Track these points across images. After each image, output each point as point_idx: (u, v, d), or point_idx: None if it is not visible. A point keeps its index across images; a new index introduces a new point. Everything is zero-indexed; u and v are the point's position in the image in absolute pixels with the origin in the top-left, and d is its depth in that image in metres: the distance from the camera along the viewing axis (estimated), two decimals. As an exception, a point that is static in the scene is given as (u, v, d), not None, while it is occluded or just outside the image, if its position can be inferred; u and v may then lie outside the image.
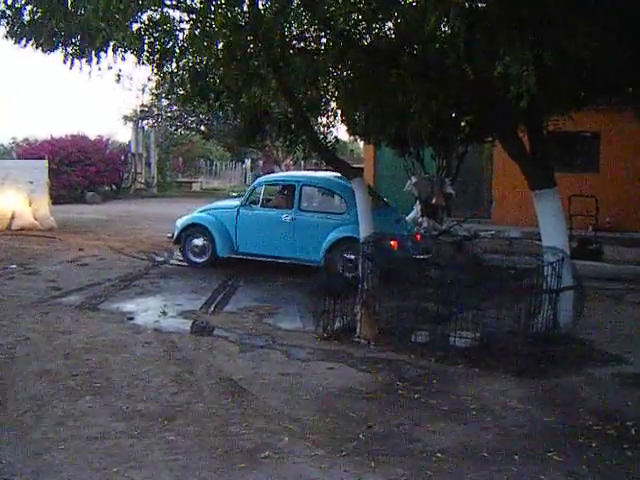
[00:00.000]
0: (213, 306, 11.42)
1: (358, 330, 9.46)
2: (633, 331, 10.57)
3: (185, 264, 15.50)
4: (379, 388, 7.61)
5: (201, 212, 15.94)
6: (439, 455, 5.87)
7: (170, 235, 16.01)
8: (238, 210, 15.14)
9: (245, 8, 9.57)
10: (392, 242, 13.10)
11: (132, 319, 10.38)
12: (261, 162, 53.62)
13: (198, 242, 15.34)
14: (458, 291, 9.16)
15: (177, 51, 9.93)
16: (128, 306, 11.24)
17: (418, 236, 14.89)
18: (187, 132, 50.55)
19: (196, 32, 9.29)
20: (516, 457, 5.88)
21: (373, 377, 7.99)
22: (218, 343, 9.26)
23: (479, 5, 8.96)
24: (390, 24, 10.09)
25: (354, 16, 9.49)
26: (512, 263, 11.87)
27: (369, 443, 6.09)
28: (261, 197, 15.19)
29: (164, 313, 10.78)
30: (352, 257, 12.99)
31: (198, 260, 15.31)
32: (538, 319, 8.80)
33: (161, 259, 16.35)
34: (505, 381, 7.92)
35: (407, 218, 18.07)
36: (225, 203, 16.65)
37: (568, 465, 5.75)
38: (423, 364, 8.49)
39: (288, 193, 15.15)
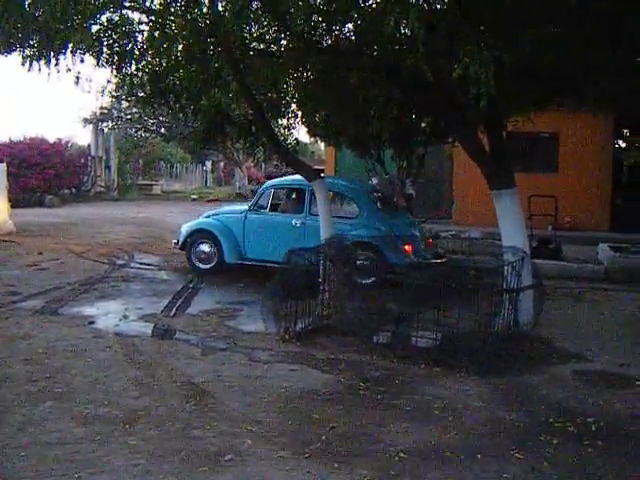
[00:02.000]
0: (174, 309, 11.36)
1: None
2: (592, 329, 10.68)
3: (146, 267, 15.42)
4: (342, 389, 7.61)
5: (207, 217, 15.62)
6: (402, 455, 5.88)
7: (175, 242, 15.66)
8: (246, 215, 14.83)
9: (205, 10, 9.54)
10: (406, 247, 13.18)
11: (93, 323, 10.28)
12: (222, 164, 53.55)
13: (205, 248, 14.98)
14: (419, 291, 9.19)
15: (136, 53, 9.86)
16: (89, 310, 11.13)
17: (430, 241, 14.90)
18: (147, 134, 50.35)
19: (155, 34, 9.25)
20: (479, 455, 5.91)
21: (335, 378, 7.99)
22: (180, 346, 9.21)
23: (438, 7, 9.02)
24: (350, 26, 10.11)
25: (314, 17, 9.49)
26: (473, 263, 11.96)
27: (332, 444, 6.09)
28: (269, 201, 14.87)
29: (125, 317, 10.70)
30: (365, 262, 13.03)
31: (205, 267, 14.92)
32: (499, 318, 8.86)
33: (122, 262, 16.22)
34: (467, 380, 7.96)
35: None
36: (231, 208, 16.37)
37: (530, 463, 5.79)
38: (385, 365, 8.51)
39: (297, 197, 14.86)
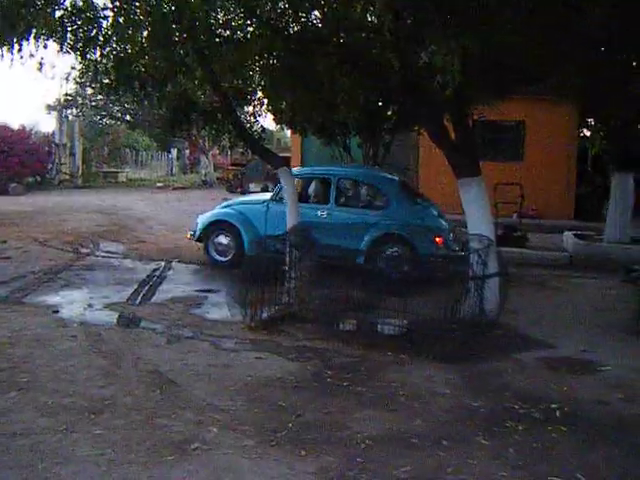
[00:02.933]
0: (140, 297, 11.29)
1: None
2: (556, 315, 10.78)
3: (111, 255, 15.33)
4: (308, 377, 7.61)
5: (224, 207, 15.09)
6: (369, 442, 5.90)
7: (192, 232, 15.01)
8: (268, 205, 14.22)
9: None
10: (437, 238, 12.95)
11: (57, 312, 10.18)
12: (187, 152, 53.28)
13: (223, 240, 14.45)
14: (385, 279, 9.22)
15: (101, 39, 9.78)
16: (53, 299, 11.02)
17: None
18: (112, 122, 50.00)
19: (120, 20, 9.19)
20: (444, 442, 5.94)
21: (301, 366, 8.00)
22: (145, 335, 9.16)
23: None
24: (317, 13, 10.10)
25: (280, 4, 9.47)
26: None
27: (299, 432, 6.09)
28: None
29: (90, 306, 10.60)
30: (397, 254, 12.88)
31: (223, 259, 14.35)
32: (464, 305, 8.90)
33: (87, 251, 16.08)
34: (432, 367, 8.00)
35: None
36: (251, 198, 15.95)
37: (495, 448, 5.84)
38: (351, 352, 8.52)
39: (323, 187, 14.33)
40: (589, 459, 5.72)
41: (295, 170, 14.94)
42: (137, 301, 11.07)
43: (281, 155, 15.51)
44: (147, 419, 6.30)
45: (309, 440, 5.93)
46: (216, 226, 14.59)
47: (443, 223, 13.71)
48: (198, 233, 14.73)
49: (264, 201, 14.51)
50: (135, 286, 12.08)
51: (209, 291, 11.84)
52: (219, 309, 10.46)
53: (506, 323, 9.85)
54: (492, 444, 5.93)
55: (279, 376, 7.58)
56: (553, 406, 6.85)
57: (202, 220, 14.85)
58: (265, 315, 9.59)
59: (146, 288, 12.00)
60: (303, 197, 14.29)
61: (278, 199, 13.96)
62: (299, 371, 7.82)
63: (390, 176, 14.64)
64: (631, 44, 8.97)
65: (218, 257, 14.43)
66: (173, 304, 10.88)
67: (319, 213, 13.74)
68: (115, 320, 9.87)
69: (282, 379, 7.49)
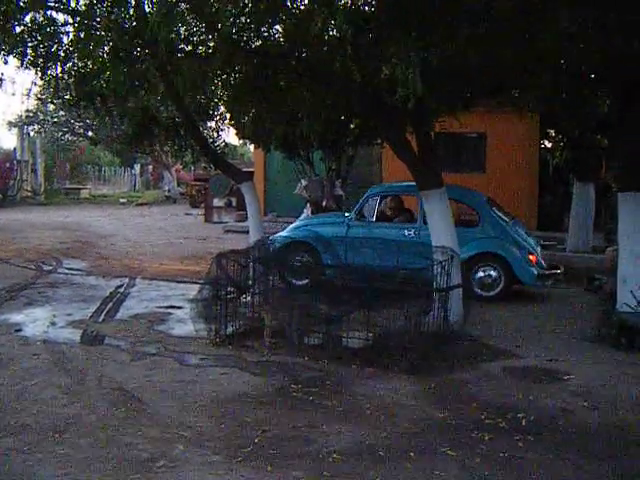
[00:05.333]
0: (103, 314, 11.19)
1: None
2: (521, 325, 10.84)
3: (74, 272, 15.20)
4: (273, 392, 7.58)
5: (297, 228, 14.40)
6: (336, 456, 5.88)
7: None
8: (348, 225, 13.58)
9: (131, 11, 9.44)
10: (531, 256, 12.72)
11: (20, 331, 10.07)
12: (150, 167, 53.09)
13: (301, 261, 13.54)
14: (351, 292, 9.22)
15: (62, 54, 9.75)
16: (15, 317, 10.90)
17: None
18: (74, 138, 49.68)
19: (81, 35, 9.14)
20: (411, 454, 5.94)
21: (267, 381, 7.96)
22: (109, 352, 9.08)
23: (366, 8, 9.07)
24: (278, 27, 10.11)
25: (242, 19, 9.47)
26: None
27: (265, 447, 6.06)
28: (376, 209, 13.79)
29: (53, 323, 10.50)
30: (492, 274, 12.71)
31: (299, 282, 12.51)
32: (429, 317, 8.93)
33: (49, 268, 15.94)
34: (398, 379, 8.00)
35: (297, 221, 18.08)
36: (326, 218, 15.03)
37: (462, 459, 5.85)
38: (317, 366, 8.50)
39: (409, 205, 13.89)
40: (555, 468, 5.74)
41: (377, 188, 14.53)
42: (101, 318, 10.97)
43: (245, 170, 15.50)
44: (112, 437, 6.24)
45: (276, 455, 5.90)
46: (291, 247, 13.77)
47: (532, 240, 13.48)
48: None
49: (343, 220, 13.81)
50: (98, 303, 11.98)
51: (173, 307, 11.76)
52: (183, 325, 10.40)
53: (471, 334, 9.90)
54: (459, 455, 5.93)
55: (245, 391, 7.54)
56: (519, 415, 6.88)
57: (277, 241, 13.66)
58: (230, 330, 9.54)
59: (110, 305, 11.90)
60: (384, 216, 13.90)
61: (359, 218, 13.67)
62: (265, 386, 7.79)
63: (477, 192, 14.21)
64: (589, 57, 9.07)
65: (295, 280, 12.50)
66: (137, 321, 10.80)
67: (406, 233, 13.04)
68: (78, 338, 9.77)
69: (248, 394, 7.45)
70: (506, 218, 13.48)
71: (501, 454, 5.97)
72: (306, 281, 12.14)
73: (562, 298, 13.11)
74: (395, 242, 12.54)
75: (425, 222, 12.09)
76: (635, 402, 7.38)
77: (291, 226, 14.83)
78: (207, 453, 5.94)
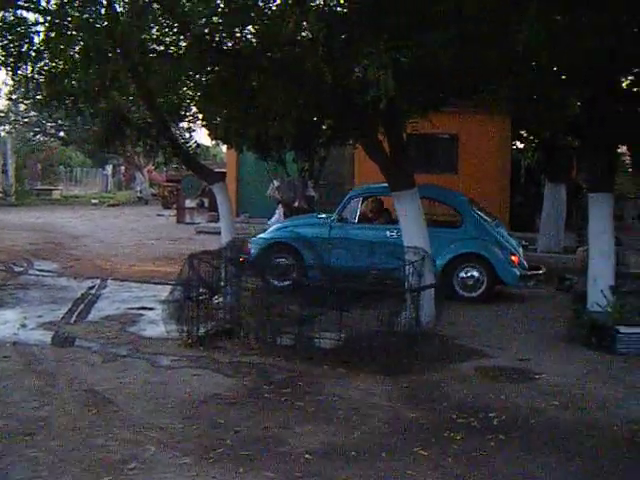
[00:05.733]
0: (75, 316, 11.12)
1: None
2: (493, 325, 10.92)
3: (45, 274, 15.09)
4: (245, 393, 7.57)
5: (279, 229, 14.38)
6: (307, 456, 5.87)
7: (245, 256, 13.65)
8: (330, 226, 13.56)
9: (102, 11, 9.39)
10: (513, 257, 12.80)
11: (-11, 333, 10.00)
12: (123, 168, 52.86)
13: (282, 263, 13.45)
14: (323, 293, 9.22)
15: (33, 54, 9.67)
16: (-15, 320, 10.81)
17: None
18: (46, 138, 49.38)
19: (52, 35, 9.08)
20: (383, 454, 5.94)
21: (239, 382, 7.95)
22: (80, 354, 9.01)
23: (338, 9, 9.08)
24: (251, 27, 10.09)
25: (214, 19, 9.43)
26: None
27: (237, 448, 6.04)
28: (358, 211, 13.77)
29: (24, 325, 10.39)
30: (475, 275, 12.78)
31: (281, 284, 12.42)
32: (401, 317, 8.95)
33: (20, 269, 15.82)
34: (371, 380, 8.01)
35: (270, 222, 18.06)
36: (308, 219, 15.02)
37: (434, 459, 5.86)
38: (289, 367, 8.49)
39: (391, 205, 13.29)
40: (527, 467, 5.77)
41: (359, 189, 14.52)
42: (72, 320, 10.90)
43: (217, 171, 15.46)
44: (83, 439, 6.19)
45: (248, 456, 5.87)
46: (273, 249, 13.78)
47: (513, 241, 13.55)
48: (255, 256, 13.51)
49: (325, 222, 13.84)
50: (70, 305, 11.90)
51: (145, 308, 11.71)
52: (155, 326, 10.35)
53: (444, 334, 9.93)
54: (431, 455, 5.94)
55: (217, 392, 7.52)
56: (491, 415, 6.91)
57: (257, 242, 13.92)
58: (202, 331, 9.51)
59: (81, 306, 11.83)
60: (365, 217, 13.90)
61: (341, 219, 13.64)
62: (237, 387, 7.78)
63: (459, 193, 14.37)
64: (559, 58, 9.12)
65: (276, 281, 12.62)
66: (109, 322, 10.74)
67: (388, 234, 12.99)
68: (49, 339, 9.69)
69: (220, 395, 7.43)
70: (488, 219, 13.58)
71: (473, 453, 5.99)
72: (287, 282, 12.12)
73: (534, 298, 13.20)
74: (377, 243, 12.56)
75: None
76: (605, 401, 7.44)
77: (272, 227, 14.89)
78: (179, 454, 5.90)
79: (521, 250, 13.50)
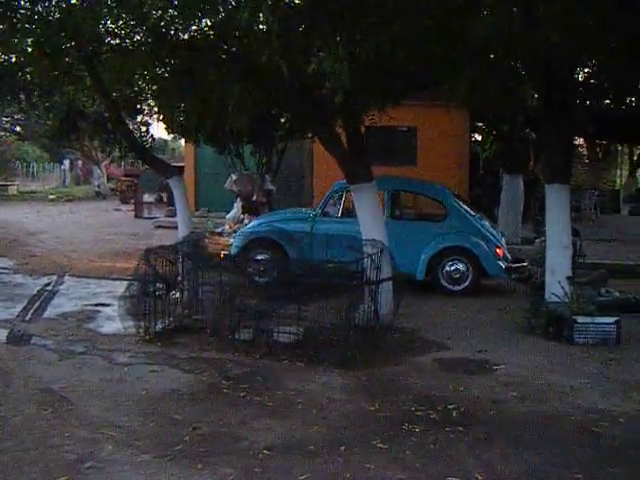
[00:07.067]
0: (30, 313, 10.97)
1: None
2: (452, 318, 10.96)
3: (0, 271, 14.90)
4: (203, 388, 7.52)
5: (262, 223, 14.08)
6: (266, 452, 5.84)
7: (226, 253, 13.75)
8: (314, 221, 13.47)
9: (54, 2, 9.27)
10: (497, 250, 12.81)
11: (-58, 331, 9.84)
12: (80, 163, 52.37)
13: (265, 259, 13.10)
14: (280, 287, 9.20)
15: (-16, 48, 9.53)
16: (-62, 318, 10.63)
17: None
18: (1, 133, 48.71)
19: (3, 27, 8.94)
20: (342, 448, 5.93)
21: (197, 378, 7.89)
22: (36, 352, 8.89)
23: (293, 1, 9.03)
24: (207, 20, 10.02)
25: (169, 11, 9.35)
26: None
27: (195, 445, 5.99)
28: (342, 205, 13.52)
29: (-23, 323, 10.27)
30: (460, 268, 12.75)
31: (263, 279, 11.69)
32: (359, 311, 8.94)
33: (-27, 267, 15.61)
34: (329, 373, 8.00)
35: (227, 216, 17.97)
36: (290, 213, 14.95)
37: (393, 452, 5.86)
38: (248, 362, 8.46)
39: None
40: (486, 457, 5.78)
41: (342, 183, 13.57)
42: (27, 317, 10.76)
43: (174, 165, 15.36)
44: (39, 439, 6.10)
45: (206, 453, 5.83)
46: (256, 244, 13.51)
47: (497, 233, 13.60)
48: (236, 251, 13.58)
49: (308, 216, 13.75)
50: (25, 302, 11.74)
51: (102, 305, 11.59)
52: (113, 323, 10.23)
53: (402, 327, 9.96)
54: (389, 447, 5.94)
55: (174, 389, 7.46)
56: (450, 407, 6.93)
57: (240, 238, 13.84)
58: (159, 327, 9.44)
59: (37, 304, 11.67)
60: (350, 211, 13.30)
61: (324, 214, 13.55)
62: (195, 383, 7.73)
63: (443, 186, 14.28)
64: (517, 52, 9.18)
65: (259, 277, 11.84)
66: (65, 319, 10.61)
67: None
68: (4, 338, 9.54)
69: (177, 392, 7.37)
70: (471, 212, 13.60)
71: (432, 445, 6.00)
72: (267, 278, 11.74)
73: (492, 290, 13.26)
74: (361, 237, 12.37)
75: (392, 216, 12.77)
76: (563, 391, 7.49)
77: (254, 222, 14.69)
78: (136, 452, 5.85)
79: (504, 242, 13.60)
